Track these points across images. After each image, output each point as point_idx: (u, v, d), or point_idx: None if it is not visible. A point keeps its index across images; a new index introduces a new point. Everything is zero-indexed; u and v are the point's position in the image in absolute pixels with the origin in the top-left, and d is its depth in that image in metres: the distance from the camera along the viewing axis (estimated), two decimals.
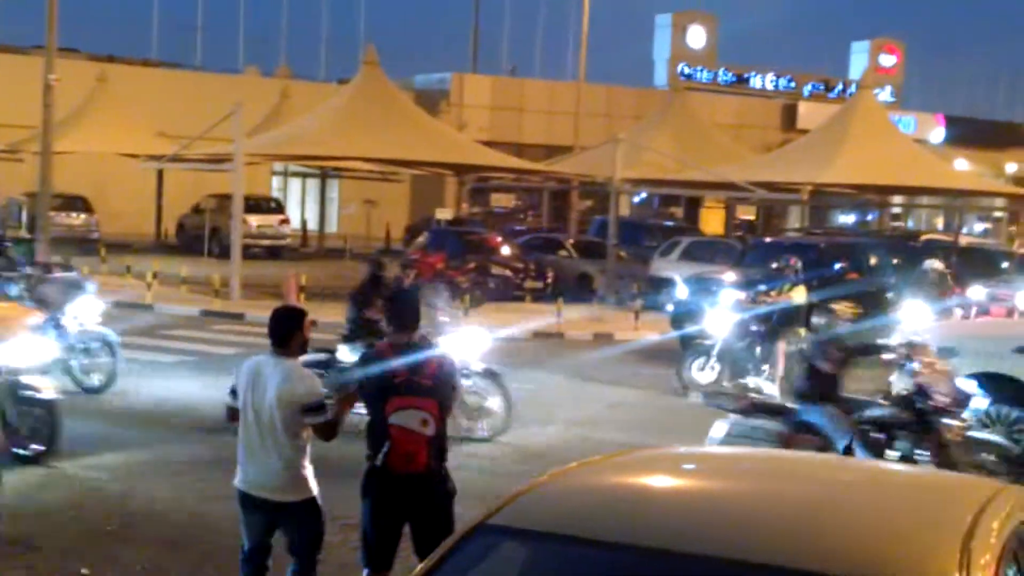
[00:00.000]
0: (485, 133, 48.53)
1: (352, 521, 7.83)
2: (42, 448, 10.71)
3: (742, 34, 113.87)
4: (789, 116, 60.36)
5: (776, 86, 62.86)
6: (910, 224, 56.97)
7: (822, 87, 63.83)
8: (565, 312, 22.80)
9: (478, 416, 12.71)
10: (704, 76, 60.44)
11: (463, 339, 12.50)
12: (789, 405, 9.84)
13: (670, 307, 21.11)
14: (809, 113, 57.41)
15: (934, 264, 14.05)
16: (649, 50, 62.34)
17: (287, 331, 6.72)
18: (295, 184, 49.67)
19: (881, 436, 9.47)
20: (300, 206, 47.13)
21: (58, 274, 16.03)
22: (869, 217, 53.85)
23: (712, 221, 49.85)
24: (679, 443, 6.55)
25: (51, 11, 24.48)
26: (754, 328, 15.94)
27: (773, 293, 16.24)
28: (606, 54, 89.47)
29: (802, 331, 15.92)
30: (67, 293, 14.25)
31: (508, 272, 27.20)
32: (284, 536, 6.81)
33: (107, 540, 8.81)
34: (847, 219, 55.19)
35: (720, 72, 61.34)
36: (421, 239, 29.50)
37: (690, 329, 17.21)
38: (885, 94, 60.78)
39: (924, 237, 36.26)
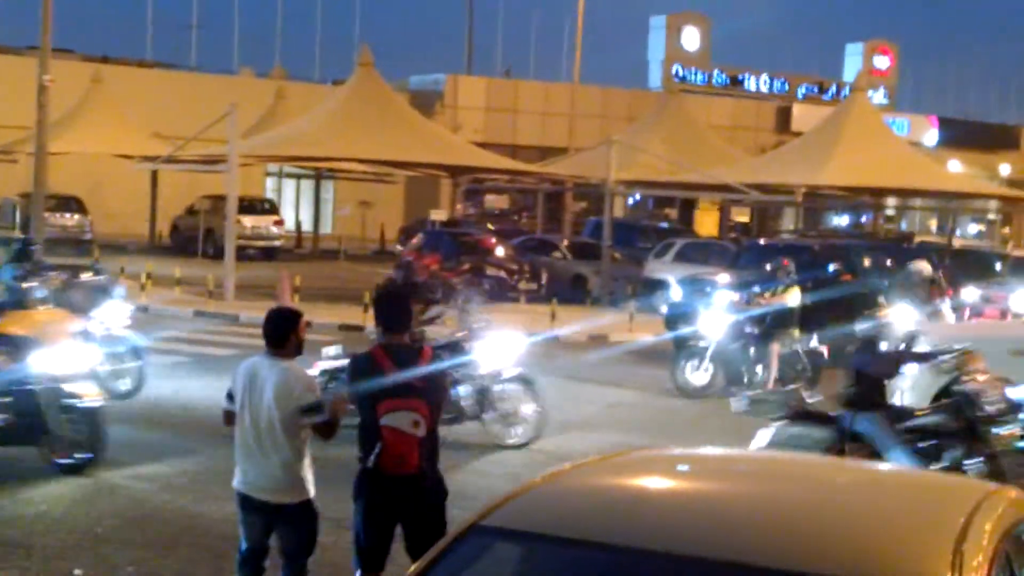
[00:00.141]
0: (480, 134, 48.55)
1: (345, 523, 7.81)
2: (88, 456, 10.45)
3: (736, 36, 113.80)
4: (783, 118, 60.47)
5: (770, 88, 62.98)
6: (903, 226, 57.10)
7: (816, 89, 63.96)
8: (559, 313, 22.78)
9: (510, 422, 12.31)
10: (698, 78, 60.55)
11: (496, 343, 12.24)
12: (836, 413, 9.49)
13: (664, 308, 21.09)
14: (803, 115, 57.51)
15: (921, 266, 13.99)
16: (643, 52, 62.52)
17: (282, 333, 6.73)
18: (289, 185, 49.65)
19: (930, 444, 9.18)
20: (295, 207, 47.11)
21: (86, 277, 15.44)
22: (863, 219, 53.92)
23: (706, 223, 49.93)
24: (678, 444, 6.54)
25: (46, 11, 24.46)
26: (748, 330, 15.96)
27: (767, 295, 16.24)
28: (600, 56, 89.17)
29: (796, 332, 15.97)
30: (95, 298, 14.00)
31: (502, 273, 27.21)
32: (278, 537, 6.81)
33: (98, 542, 8.80)
34: (841, 221, 55.32)
35: (714, 74, 61.46)
36: (416, 240, 29.52)
37: (684, 331, 17.17)
38: (879, 96, 60.92)
39: (918, 239, 36.31)
